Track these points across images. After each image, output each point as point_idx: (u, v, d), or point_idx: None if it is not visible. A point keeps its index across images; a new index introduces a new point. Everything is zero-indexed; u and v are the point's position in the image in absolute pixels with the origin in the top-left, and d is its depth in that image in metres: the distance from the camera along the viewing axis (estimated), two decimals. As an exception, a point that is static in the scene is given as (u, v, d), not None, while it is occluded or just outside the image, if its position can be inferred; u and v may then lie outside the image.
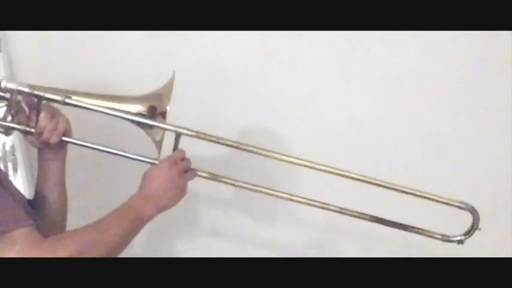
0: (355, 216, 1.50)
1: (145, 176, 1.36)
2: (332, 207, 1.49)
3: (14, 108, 1.36)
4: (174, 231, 2.02)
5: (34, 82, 1.38)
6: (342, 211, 1.49)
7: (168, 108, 1.39)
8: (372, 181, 1.46)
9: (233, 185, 1.46)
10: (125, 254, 1.30)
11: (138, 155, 1.42)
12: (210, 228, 2.01)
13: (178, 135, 1.40)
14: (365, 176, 1.45)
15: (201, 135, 1.41)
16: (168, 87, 1.40)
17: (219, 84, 1.90)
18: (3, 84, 1.32)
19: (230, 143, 1.43)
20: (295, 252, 1.98)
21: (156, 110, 1.40)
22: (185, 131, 1.39)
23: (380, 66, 1.91)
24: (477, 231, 1.48)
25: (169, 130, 1.39)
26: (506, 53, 1.89)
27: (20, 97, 1.35)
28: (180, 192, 1.38)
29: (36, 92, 1.33)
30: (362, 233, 1.87)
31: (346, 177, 1.45)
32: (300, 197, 1.49)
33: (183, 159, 1.40)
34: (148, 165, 1.41)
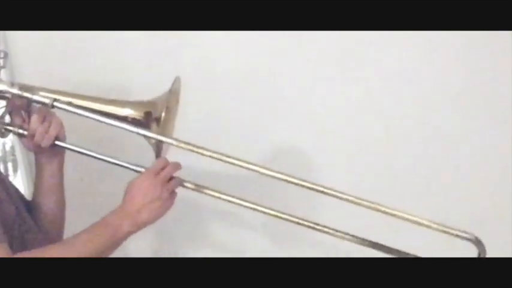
0: (351, 241, 1.40)
1: (127, 189, 1.30)
2: (319, 227, 1.39)
3: (10, 110, 1.35)
4: (181, 231, 2.02)
5: (34, 82, 1.38)
6: (333, 233, 1.39)
7: (163, 114, 1.35)
8: (368, 205, 1.36)
9: (219, 198, 1.37)
10: (130, 254, 1.29)
11: (127, 163, 1.37)
12: (214, 238, 2.02)
13: (159, 143, 1.35)
14: (361, 199, 1.35)
15: (182, 145, 1.33)
16: (166, 95, 1.37)
17: (220, 83, 1.90)
18: None
19: (211, 155, 1.34)
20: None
21: (151, 115, 1.37)
22: (164, 139, 1.34)
23: (379, 67, 1.92)
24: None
25: (148, 137, 1.35)
26: (506, 53, 1.89)
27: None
28: (163, 203, 1.29)
29: (24, 94, 1.31)
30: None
31: (338, 198, 1.36)
32: (289, 216, 1.39)
33: (164, 167, 1.31)
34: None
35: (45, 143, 1.33)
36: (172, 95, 1.39)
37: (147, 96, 1.43)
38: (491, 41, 1.87)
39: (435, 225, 1.37)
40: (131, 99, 1.45)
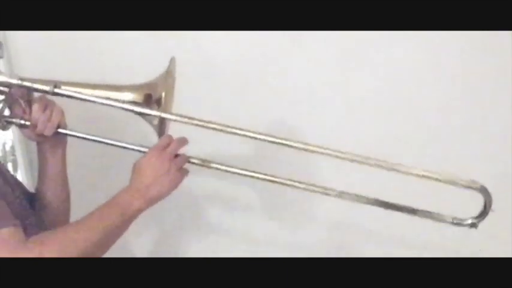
0: (361, 202, 1.43)
1: (134, 168, 1.30)
2: (331, 192, 1.42)
3: (9, 102, 1.35)
4: (181, 231, 2.02)
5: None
6: (341, 195, 1.42)
7: (163, 94, 1.36)
8: (372, 162, 1.41)
9: (226, 171, 1.39)
10: (130, 254, 1.29)
11: (130, 144, 1.38)
12: (218, 228, 2.01)
13: (161, 120, 1.35)
14: (366, 158, 1.41)
15: (185, 119, 1.34)
16: (164, 76, 1.38)
17: (219, 84, 1.90)
18: None
19: (215, 127, 1.37)
20: (306, 252, 1.98)
21: (151, 97, 1.38)
22: (168, 116, 1.35)
23: (379, 67, 1.91)
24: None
25: (150, 115, 1.36)
26: (506, 53, 1.89)
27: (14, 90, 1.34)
28: (172, 178, 1.30)
29: (24, 83, 1.32)
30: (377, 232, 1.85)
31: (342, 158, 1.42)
32: (296, 181, 1.43)
33: (169, 144, 1.32)
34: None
35: (48, 131, 1.34)
36: (169, 76, 1.39)
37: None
38: (491, 41, 1.87)
39: (440, 177, 1.39)
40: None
